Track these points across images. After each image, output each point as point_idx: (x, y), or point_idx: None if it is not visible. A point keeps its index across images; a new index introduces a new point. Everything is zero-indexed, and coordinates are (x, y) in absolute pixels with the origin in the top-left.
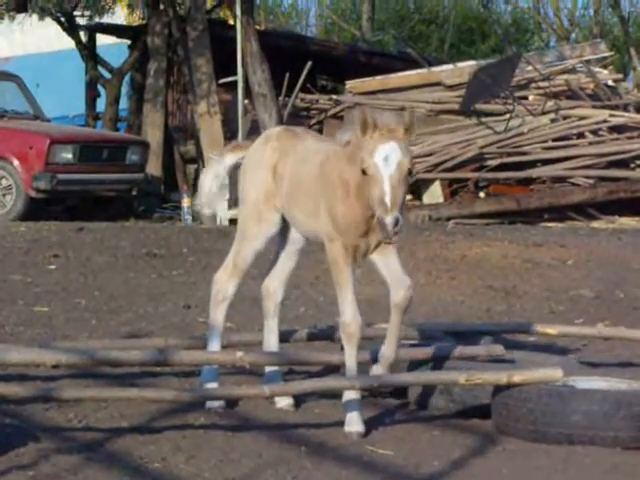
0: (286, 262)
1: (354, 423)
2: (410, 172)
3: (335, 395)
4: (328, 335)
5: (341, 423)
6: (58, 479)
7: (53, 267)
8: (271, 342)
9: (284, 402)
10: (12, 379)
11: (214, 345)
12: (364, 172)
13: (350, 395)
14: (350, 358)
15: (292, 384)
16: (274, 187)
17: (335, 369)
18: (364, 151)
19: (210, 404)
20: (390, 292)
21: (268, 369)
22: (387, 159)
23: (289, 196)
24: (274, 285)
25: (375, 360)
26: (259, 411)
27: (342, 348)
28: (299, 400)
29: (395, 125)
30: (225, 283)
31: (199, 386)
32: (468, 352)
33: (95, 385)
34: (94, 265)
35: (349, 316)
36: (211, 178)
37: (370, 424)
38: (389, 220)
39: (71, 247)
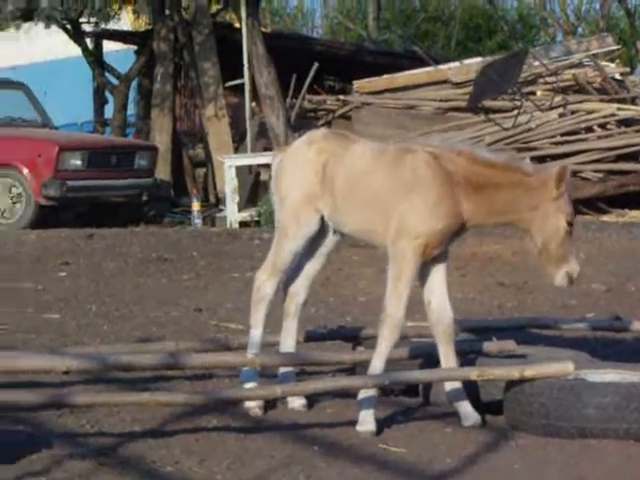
0: (313, 264)
1: (367, 422)
2: None
3: (348, 395)
4: (340, 335)
5: (354, 422)
6: None
7: (64, 274)
8: (288, 343)
9: (297, 402)
10: (23, 386)
11: (253, 345)
12: (569, 224)
13: (366, 393)
14: (380, 356)
15: (304, 384)
16: (318, 188)
17: (348, 369)
18: (568, 206)
19: (249, 404)
20: (428, 314)
21: (282, 370)
22: None
23: (344, 196)
24: (297, 286)
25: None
26: (272, 412)
27: (354, 348)
28: (312, 400)
29: None
30: (264, 282)
31: (239, 386)
32: (480, 348)
33: (107, 390)
34: (105, 271)
35: (399, 315)
36: None
37: (383, 422)
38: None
39: (81, 254)
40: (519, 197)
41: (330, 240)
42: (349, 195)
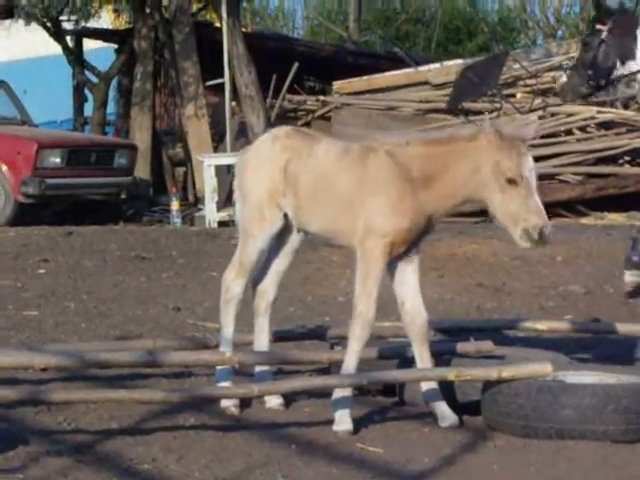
0: (280, 262)
1: (343, 422)
2: None
3: (325, 394)
4: (317, 334)
5: (331, 422)
6: None
7: (42, 271)
8: (262, 341)
9: (274, 401)
10: (1, 383)
11: (225, 344)
12: (511, 181)
13: (340, 393)
14: (352, 355)
15: (281, 383)
16: (281, 186)
17: (325, 368)
18: (507, 161)
19: (224, 403)
20: (402, 315)
21: (258, 369)
22: (531, 171)
23: (309, 195)
24: (266, 284)
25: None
26: (249, 411)
27: (332, 347)
28: (289, 399)
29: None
30: (232, 281)
31: (214, 385)
32: (458, 349)
33: (84, 387)
34: (83, 269)
35: (369, 313)
36: None
37: (360, 422)
38: (549, 227)
39: (60, 251)
40: (468, 167)
41: (296, 237)
42: (314, 194)
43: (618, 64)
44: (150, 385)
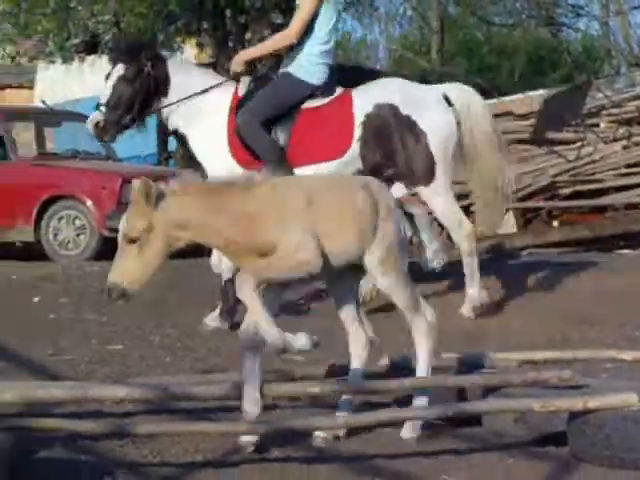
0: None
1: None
2: (133, 240)
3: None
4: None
5: (417, 454)
6: None
7: (127, 306)
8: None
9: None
10: (87, 416)
11: None
12: None
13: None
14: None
15: (367, 414)
16: None
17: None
18: None
19: (317, 434)
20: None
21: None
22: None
23: None
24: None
25: None
26: (334, 442)
27: None
28: (373, 431)
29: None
30: None
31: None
32: (541, 378)
33: (169, 420)
34: (168, 302)
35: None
36: None
37: (443, 452)
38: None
39: (145, 285)
40: None
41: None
42: None
43: (155, 100)
44: (234, 417)
